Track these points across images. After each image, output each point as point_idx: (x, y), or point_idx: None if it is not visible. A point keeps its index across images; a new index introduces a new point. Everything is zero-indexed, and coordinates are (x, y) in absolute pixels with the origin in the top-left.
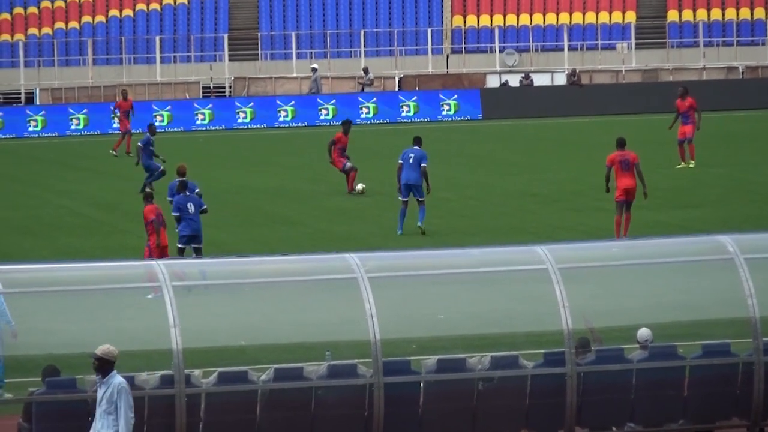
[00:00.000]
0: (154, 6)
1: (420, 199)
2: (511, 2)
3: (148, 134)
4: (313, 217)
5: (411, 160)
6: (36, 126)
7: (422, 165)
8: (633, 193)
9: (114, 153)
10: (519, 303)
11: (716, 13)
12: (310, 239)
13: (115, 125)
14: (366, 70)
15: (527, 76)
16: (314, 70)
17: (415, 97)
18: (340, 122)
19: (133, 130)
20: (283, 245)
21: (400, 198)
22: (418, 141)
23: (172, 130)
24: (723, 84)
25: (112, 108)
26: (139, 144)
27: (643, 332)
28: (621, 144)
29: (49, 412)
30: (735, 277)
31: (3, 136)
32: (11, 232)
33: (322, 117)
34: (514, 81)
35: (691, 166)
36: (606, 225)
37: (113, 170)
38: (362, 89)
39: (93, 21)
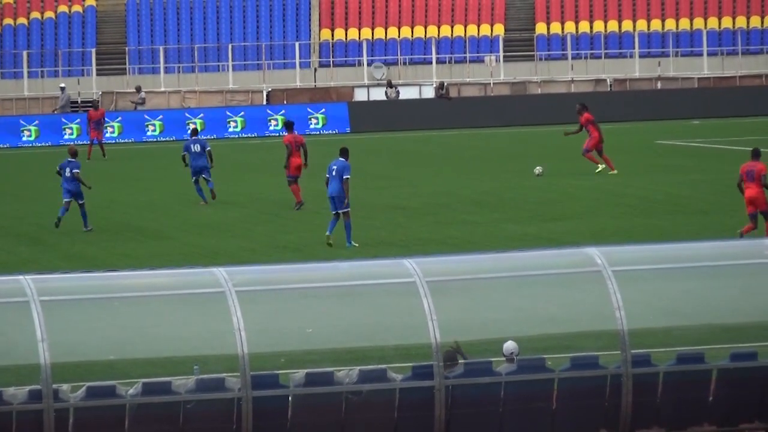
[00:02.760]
0: (21, 20)
1: (342, 212)
2: (379, 15)
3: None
4: (183, 231)
5: (334, 173)
6: None
7: (344, 177)
8: (760, 202)
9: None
10: (387, 316)
11: (584, 26)
12: (180, 253)
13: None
14: (138, 89)
15: (390, 84)
16: (63, 89)
17: (283, 111)
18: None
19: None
20: (153, 260)
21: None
22: (343, 152)
23: (39, 144)
24: (591, 96)
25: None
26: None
27: (509, 345)
28: (754, 155)
29: None
30: (603, 290)
31: None
32: None
33: (189, 131)
34: (381, 94)
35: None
36: (475, 238)
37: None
38: (135, 108)
39: None
